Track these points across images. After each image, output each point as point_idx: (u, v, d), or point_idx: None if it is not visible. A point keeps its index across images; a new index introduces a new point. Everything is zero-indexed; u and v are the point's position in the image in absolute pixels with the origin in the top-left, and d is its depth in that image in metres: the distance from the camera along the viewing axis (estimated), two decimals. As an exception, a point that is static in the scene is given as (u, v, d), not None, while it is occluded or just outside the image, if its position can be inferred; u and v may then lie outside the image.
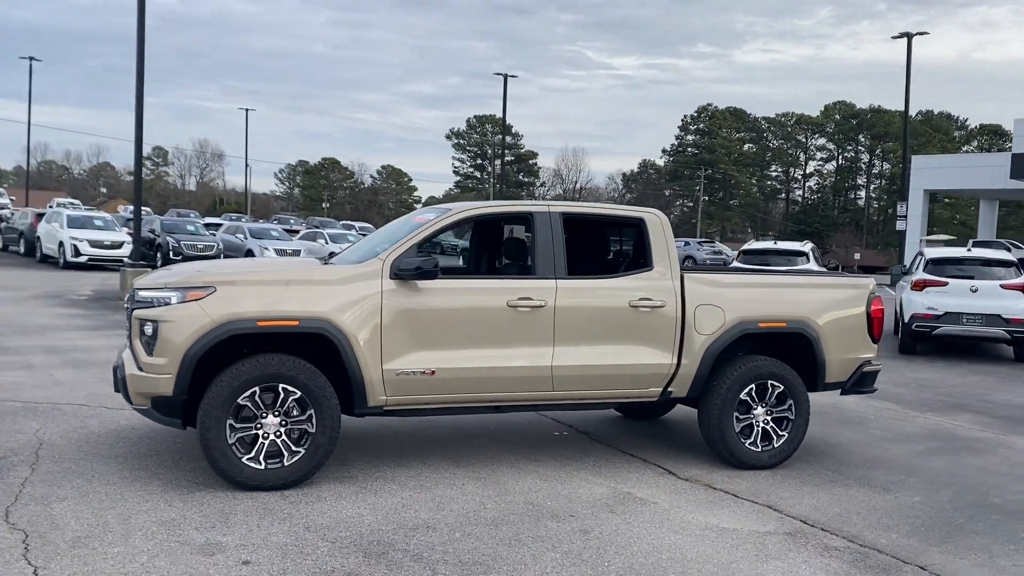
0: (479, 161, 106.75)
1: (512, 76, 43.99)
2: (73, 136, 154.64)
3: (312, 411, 5.46)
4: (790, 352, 6.86)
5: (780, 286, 6.81)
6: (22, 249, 29.32)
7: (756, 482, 6.20)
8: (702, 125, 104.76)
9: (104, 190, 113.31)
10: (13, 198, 47.59)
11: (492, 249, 7.45)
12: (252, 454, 5.37)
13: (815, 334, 6.65)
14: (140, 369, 5.35)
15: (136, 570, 4.11)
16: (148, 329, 5.34)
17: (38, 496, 5.10)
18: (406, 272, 5.68)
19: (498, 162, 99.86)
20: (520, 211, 6.48)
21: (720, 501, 5.72)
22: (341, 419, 5.63)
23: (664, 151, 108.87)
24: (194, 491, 5.33)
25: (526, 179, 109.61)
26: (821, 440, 7.70)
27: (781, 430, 6.61)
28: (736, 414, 6.47)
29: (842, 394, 7.07)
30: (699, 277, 6.56)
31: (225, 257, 27.06)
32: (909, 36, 32.68)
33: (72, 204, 48.10)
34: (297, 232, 33.39)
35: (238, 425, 5.34)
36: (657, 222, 6.52)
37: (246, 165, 68.43)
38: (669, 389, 6.44)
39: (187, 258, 25.54)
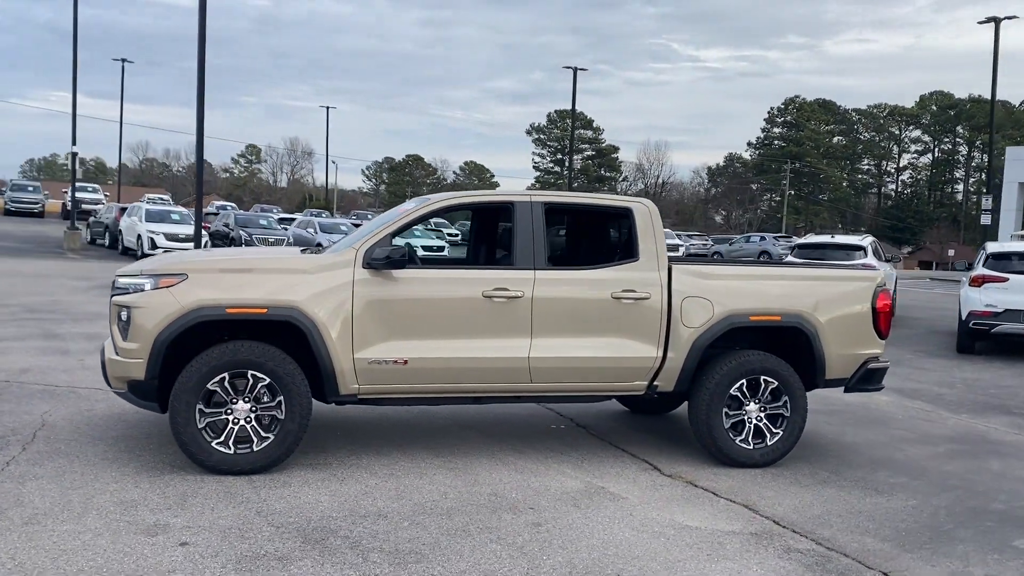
0: (559, 156, 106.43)
1: (581, 70, 43.79)
2: (172, 135, 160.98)
3: (281, 398, 5.53)
4: (789, 348, 6.60)
5: (775, 278, 6.55)
6: (107, 242, 30.72)
7: (743, 480, 5.99)
8: (789, 117, 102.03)
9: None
10: (107, 194, 49.82)
11: (488, 241, 7.41)
12: (222, 439, 5.47)
13: (812, 328, 6.38)
14: (116, 354, 5.52)
15: (75, 547, 4.24)
16: (124, 315, 5.50)
17: (16, 475, 5.31)
18: (377, 261, 5.69)
19: (574, 156, 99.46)
20: (499, 200, 6.42)
21: (695, 498, 5.55)
22: (312, 406, 5.68)
23: (749, 144, 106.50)
24: (166, 474, 5.46)
25: (608, 174, 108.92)
26: (833, 439, 7.39)
27: (775, 427, 6.36)
28: (726, 410, 6.26)
29: (846, 391, 6.76)
30: (688, 269, 6.37)
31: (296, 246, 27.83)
32: (996, 20, 31.07)
33: (162, 200, 50.14)
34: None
35: (208, 410, 5.45)
36: (645, 212, 6.36)
37: (327, 162, 70.10)
38: (655, 383, 6.28)
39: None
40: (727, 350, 6.43)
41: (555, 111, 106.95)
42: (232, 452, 5.48)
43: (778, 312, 6.34)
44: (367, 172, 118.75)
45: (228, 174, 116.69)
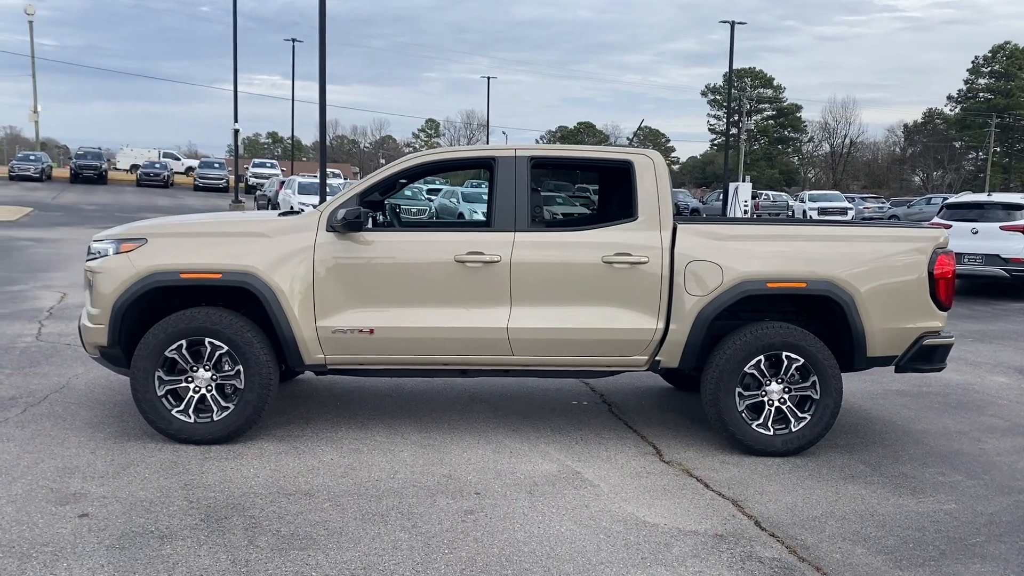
0: (735, 118, 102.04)
1: (740, 23, 41.20)
2: (360, 113, 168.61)
3: (240, 367, 5.33)
4: (824, 320, 5.68)
5: (802, 239, 5.61)
6: (270, 214, 32.47)
7: (751, 471, 5.21)
8: (997, 67, 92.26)
9: (383, 161, 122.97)
10: (284, 169, 52.70)
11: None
12: (182, 407, 5.36)
13: (847, 297, 5.42)
14: (87, 319, 5.51)
15: (-22, 513, 4.21)
16: (90, 280, 5.48)
17: (-8, 436, 5.44)
18: (336, 223, 5.35)
19: (753, 116, 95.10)
20: (480, 156, 5.86)
21: (678, 490, 4.85)
22: (276, 376, 5.45)
23: (950, 98, 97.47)
24: (130, 441, 5.41)
25: (791, 134, 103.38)
26: (901, 425, 6.35)
27: (802, 412, 5.49)
28: (739, 390, 5.46)
29: (897, 371, 5.74)
30: (696, 228, 5.58)
31: (437, 219, 28.16)
32: None
33: (335, 174, 52.46)
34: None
35: (168, 377, 5.34)
36: (648, 165, 5.62)
37: (487, 132, 70.49)
38: (658, 358, 5.57)
39: (402, 222, 26.81)
40: (746, 323, 5.61)
41: (732, 70, 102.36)
42: (192, 421, 5.35)
43: (802, 278, 5.44)
44: (540, 141, 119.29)
45: (410, 148, 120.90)
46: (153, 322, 5.44)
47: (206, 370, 5.36)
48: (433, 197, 31.09)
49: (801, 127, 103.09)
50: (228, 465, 5.02)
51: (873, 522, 4.49)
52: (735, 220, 6.23)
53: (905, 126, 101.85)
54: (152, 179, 51.70)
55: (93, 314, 5.41)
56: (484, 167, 6.01)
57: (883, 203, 45.04)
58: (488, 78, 70.45)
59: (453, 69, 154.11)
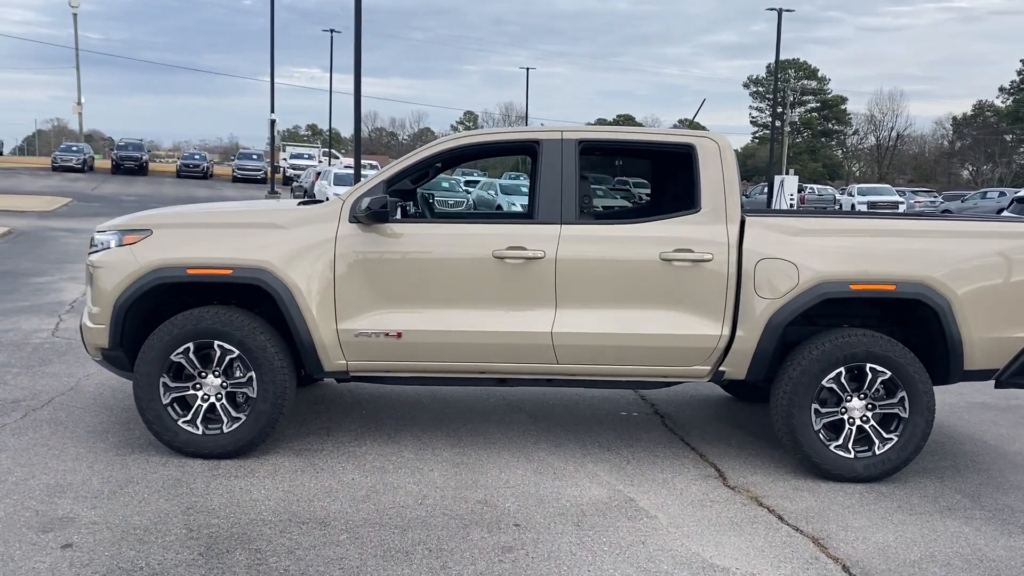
0: (779, 110, 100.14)
1: (788, 11, 39.95)
2: (398, 105, 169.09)
3: (252, 373, 4.78)
4: (915, 328, 4.98)
5: (889, 234, 4.91)
6: (306, 205, 32.20)
7: (830, 500, 4.54)
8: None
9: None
10: (322, 160, 52.55)
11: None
12: (189, 417, 4.82)
13: (943, 302, 4.72)
14: (88, 319, 5.00)
15: (-52, 541, 3.70)
16: (91, 274, 4.96)
17: (-16, 446, 4.95)
18: (359, 214, 4.77)
19: (797, 109, 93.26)
20: (523, 138, 5.21)
21: (747, 524, 4.20)
22: (294, 384, 4.89)
23: (1002, 89, 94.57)
24: (131, 454, 4.89)
25: (836, 127, 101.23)
26: (994, 445, 5.64)
27: (888, 432, 4.81)
28: (816, 406, 4.79)
29: (997, 386, 5.02)
30: (768, 222, 4.91)
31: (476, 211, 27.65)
32: None
33: (373, 166, 52.17)
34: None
35: (173, 384, 4.80)
36: (713, 149, 4.96)
37: (526, 123, 69.69)
38: (722, 368, 4.92)
39: (437, 215, 26.32)
40: (824, 330, 4.93)
41: (775, 62, 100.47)
42: (201, 433, 4.81)
43: (892, 279, 4.74)
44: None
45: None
46: (161, 322, 4.91)
47: (215, 376, 4.82)
48: (471, 189, 30.52)
49: (846, 119, 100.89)
50: (237, 485, 4.47)
51: (986, 569, 3.80)
52: (808, 212, 5.53)
53: (954, 119, 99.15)
54: (192, 170, 51.84)
55: (94, 313, 4.90)
56: (527, 152, 5.39)
57: (935, 197, 43.56)
58: (527, 68, 69.95)
59: (492, 61, 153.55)
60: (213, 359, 4.80)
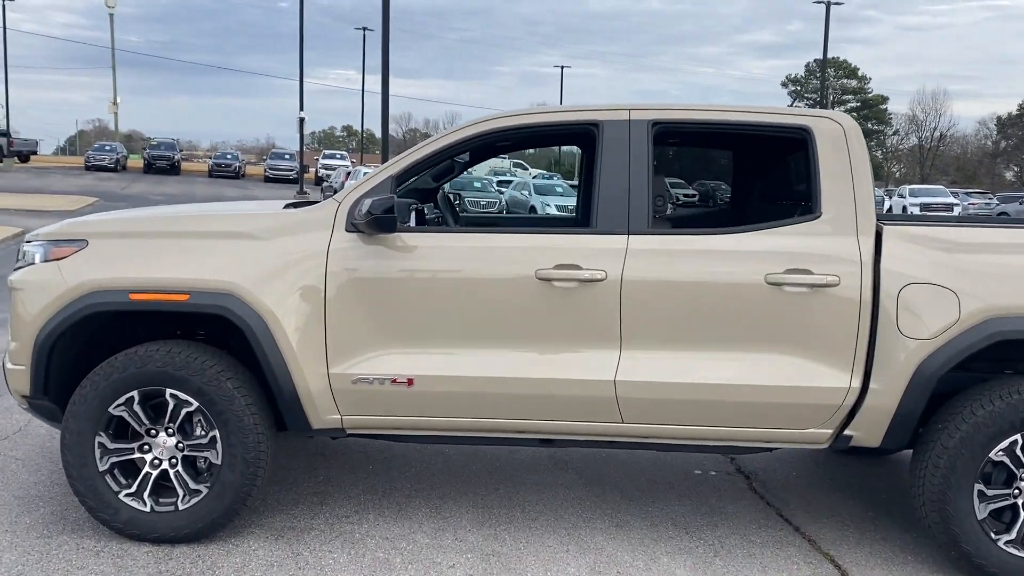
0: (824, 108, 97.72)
1: (836, 3, 38.27)
2: (432, 106, 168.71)
3: (216, 432, 3.58)
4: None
5: (1089, 250, 3.58)
6: (334, 205, 31.26)
7: (1009, 624, 3.23)
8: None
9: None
10: (353, 161, 51.75)
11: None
12: (134, 488, 3.63)
13: None
14: (8, 358, 3.83)
15: None
16: (11, 298, 3.79)
17: None
18: (359, 220, 3.55)
19: (837, 108, 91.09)
20: (576, 119, 3.89)
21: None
22: (271, 445, 3.69)
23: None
24: (62, 533, 3.71)
25: (876, 127, 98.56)
26: None
27: (1079, 523, 3.49)
28: (980, 487, 3.49)
29: None
30: (914, 233, 3.62)
31: (508, 213, 26.37)
32: None
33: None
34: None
35: (113, 445, 3.62)
36: (835, 133, 3.67)
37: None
38: (848, 433, 3.62)
39: (459, 219, 25.14)
40: (986, 378, 3.63)
41: (814, 60, 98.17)
42: (149, 509, 3.62)
43: (1094, 314, 3.42)
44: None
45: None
46: (102, 360, 3.73)
47: (168, 435, 3.63)
48: (504, 189, 29.28)
49: (886, 119, 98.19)
50: (187, 590, 3.27)
51: None
52: (970, 221, 4.22)
53: (998, 119, 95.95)
54: (224, 170, 51.24)
55: (12, 349, 3.73)
56: (579, 138, 4.16)
57: (989, 199, 41.50)
58: (561, 67, 68.45)
59: (525, 62, 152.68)
60: (165, 412, 3.61)
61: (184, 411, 3.59)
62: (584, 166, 5.06)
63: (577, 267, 3.54)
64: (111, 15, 63.94)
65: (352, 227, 3.61)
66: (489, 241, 3.67)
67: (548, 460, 4.92)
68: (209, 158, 54.72)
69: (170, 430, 3.62)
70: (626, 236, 3.58)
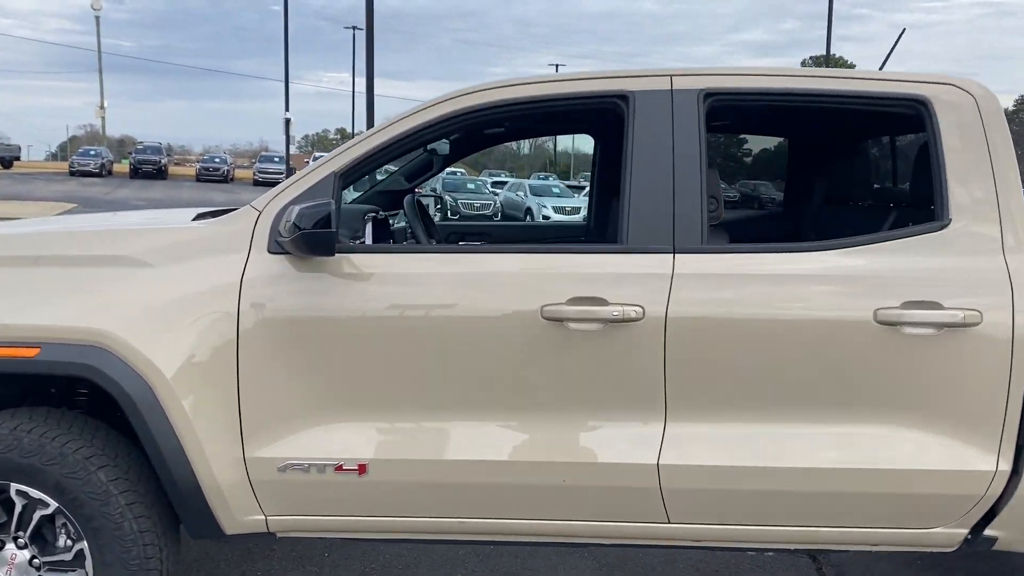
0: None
1: (840, -4, 37.17)
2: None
3: (84, 544, 2.49)
4: None
5: None
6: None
7: None
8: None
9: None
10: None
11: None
12: (-31, 624, 2.54)
13: None
14: None
15: None
16: None
17: None
18: (284, 237, 2.45)
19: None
20: (596, 90, 2.72)
21: None
22: (169, 556, 2.59)
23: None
24: None
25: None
26: None
27: None
28: None
29: None
30: (1085, 246, 2.52)
31: (502, 216, 25.24)
32: None
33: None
34: (583, 188, 30.68)
35: (-63, 563, 2.53)
36: (966, 107, 2.57)
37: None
38: (989, 533, 2.54)
39: (463, 218, 24.11)
40: None
41: (809, 58, 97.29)
42: (-11, 654, 2.53)
43: None
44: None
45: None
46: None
47: (19, 546, 2.53)
48: (498, 191, 28.15)
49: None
50: None
51: None
52: None
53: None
54: (211, 174, 50.11)
55: None
56: (597, 119, 3.07)
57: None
58: (556, 66, 67.23)
59: (520, 63, 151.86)
60: (12, 514, 2.52)
61: (39, 514, 2.49)
62: (600, 159, 3.96)
63: (601, 301, 2.44)
64: (97, 17, 62.92)
65: (277, 246, 2.52)
66: (475, 264, 2.56)
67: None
68: (199, 162, 53.61)
69: (20, 540, 2.53)
70: (671, 256, 2.49)
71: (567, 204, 24.65)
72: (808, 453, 2.46)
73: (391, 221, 3.39)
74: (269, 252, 2.53)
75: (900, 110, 2.64)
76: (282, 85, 29.59)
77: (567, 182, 36.84)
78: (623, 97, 2.61)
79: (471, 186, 26.90)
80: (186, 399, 2.44)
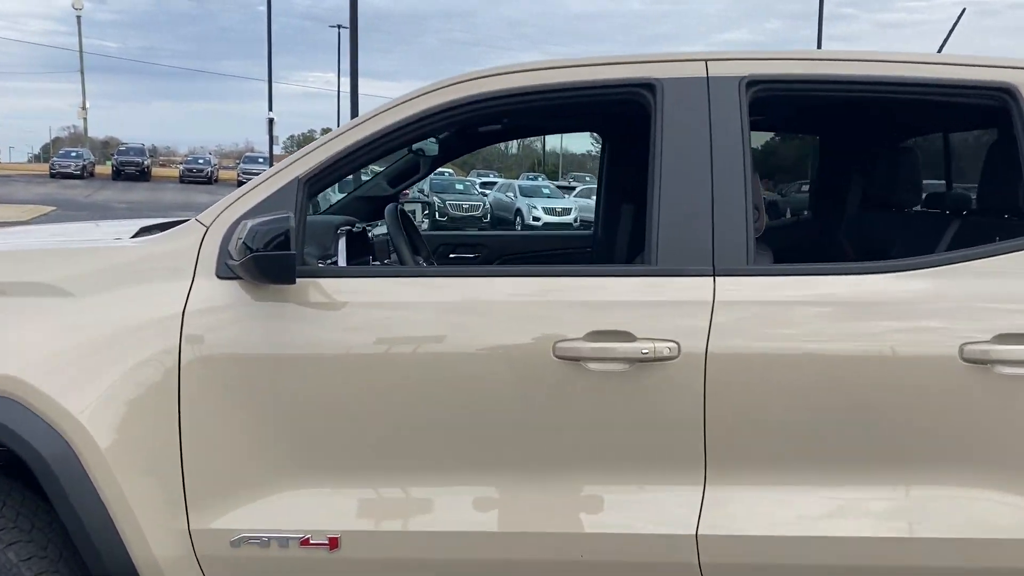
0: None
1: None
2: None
3: (-13, 641, 2.02)
4: None
5: None
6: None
7: None
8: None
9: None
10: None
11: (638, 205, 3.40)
12: None
13: None
14: None
15: None
16: None
17: None
18: (235, 261, 1.98)
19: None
20: (614, 78, 2.21)
21: None
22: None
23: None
24: None
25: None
26: None
27: None
28: None
29: None
30: None
31: (491, 217, 24.73)
32: None
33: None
34: (573, 189, 30.26)
35: None
36: (1061, 96, 2.13)
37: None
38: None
39: (452, 219, 23.62)
40: None
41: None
42: None
43: None
44: (595, 136, 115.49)
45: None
46: None
47: (-89, 641, 2.06)
48: (487, 192, 27.67)
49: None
50: None
51: None
52: None
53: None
54: (195, 175, 49.51)
55: None
56: (613, 114, 2.60)
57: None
58: (544, 65, 66.67)
59: (508, 63, 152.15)
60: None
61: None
62: (609, 160, 3.50)
63: (627, 336, 1.99)
64: (78, 17, 62.16)
65: (227, 270, 2.05)
66: (471, 290, 2.09)
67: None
68: (183, 163, 53.02)
69: (-88, 633, 2.05)
70: (711, 279, 2.04)
71: (557, 205, 24.22)
72: (878, 519, 2.02)
73: (371, 234, 2.92)
74: (218, 277, 2.06)
75: (977, 100, 2.19)
76: (267, 86, 29.04)
77: (556, 182, 36.45)
78: (648, 86, 2.16)
79: (459, 187, 26.39)
80: (116, 461, 1.97)
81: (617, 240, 3.40)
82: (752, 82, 2.14)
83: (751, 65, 2.16)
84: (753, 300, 2.02)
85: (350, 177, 3.27)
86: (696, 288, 2.03)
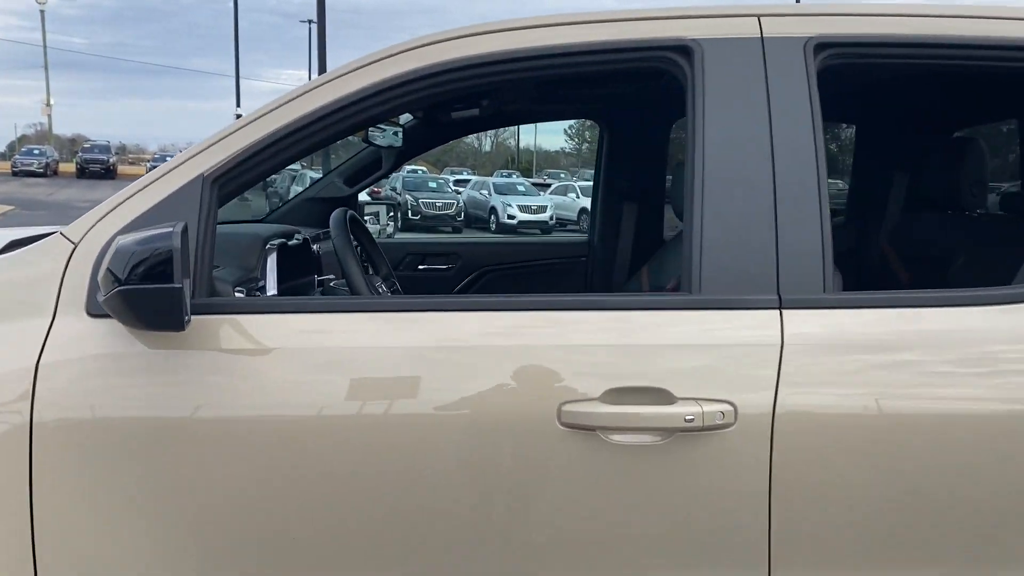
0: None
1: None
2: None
3: None
4: None
5: None
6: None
7: None
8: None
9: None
10: (304, 163, 49.36)
11: (646, 209, 2.83)
12: None
13: None
14: None
15: None
16: None
17: None
18: (107, 295, 1.38)
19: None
20: (640, 39, 1.59)
21: None
22: None
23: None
24: None
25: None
26: None
27: None
28: None
29: None
30: None
31: (465, 215, 24.15)
32: None
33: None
34: (548, 187, 29.74)
35: None
36: None
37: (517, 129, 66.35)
38: None
39: (425, 218, 23.03)
40: None
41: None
42: None
43: None
44: (569, 132, 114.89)
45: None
46: None
47: None
48: (461, 190, 27.06)
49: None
50: None
51: None
52: None
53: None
54: None
55: None
56: (625, 92, 2.01)
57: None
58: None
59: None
60: None
61: None
62: (608, 152, 2.93)
63: (663, 395, 1.43)
64: (42, 11, 60.79)
65: (97, 308, 1.45)
66: (444, 329, 1.51)
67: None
68: (150, 161, 51.95)
69: None
70: (777, 312, 1.47)
71: (533, 203, 23.68)
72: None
73: (317, 248, 2.31)
74: (89, 314, 1.47)
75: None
76: (242, 82, 28.30)
77: (531, 179, 35.96)
78: (683, 50, 1.58)
79: (433, 185, 25.74)
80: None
81: (619, 248, 2.85)
82: (822, 44, 1.58)
83: (819, 23, 1.60)
84: (836, 342, 1.46)
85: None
86: (757, 326, 1.46)
